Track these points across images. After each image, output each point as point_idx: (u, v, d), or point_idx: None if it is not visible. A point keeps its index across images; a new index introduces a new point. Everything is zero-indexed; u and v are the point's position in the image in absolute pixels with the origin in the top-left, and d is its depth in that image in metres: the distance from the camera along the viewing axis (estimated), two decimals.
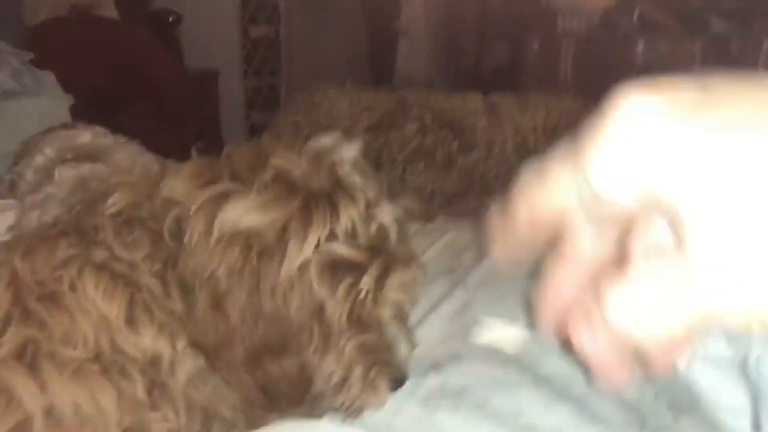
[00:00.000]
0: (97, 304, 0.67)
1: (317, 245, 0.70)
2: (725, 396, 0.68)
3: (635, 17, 3.08)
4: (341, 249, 0.71)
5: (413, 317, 0.97)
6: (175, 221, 0.72)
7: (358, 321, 0.74)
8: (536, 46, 3.49)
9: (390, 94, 1.57)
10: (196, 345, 0.73)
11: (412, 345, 0.81)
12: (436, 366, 0.84)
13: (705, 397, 0.69)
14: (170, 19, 3.17)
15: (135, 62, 2.59)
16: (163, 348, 0.71)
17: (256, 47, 3.68)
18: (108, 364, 0.68)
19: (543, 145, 1.48)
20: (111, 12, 2.70)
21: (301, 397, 0.76)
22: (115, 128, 1.23)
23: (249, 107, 3.72)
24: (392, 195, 1.40)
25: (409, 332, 0.81)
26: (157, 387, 0.71)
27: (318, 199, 0.71)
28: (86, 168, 0.99)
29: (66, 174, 1.00)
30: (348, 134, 0.78)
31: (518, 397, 0.76)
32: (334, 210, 0.71)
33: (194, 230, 0.69)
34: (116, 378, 0.68)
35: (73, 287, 0.67)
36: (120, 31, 2.65)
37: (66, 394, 0.63)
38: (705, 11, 2.91)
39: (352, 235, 0.72)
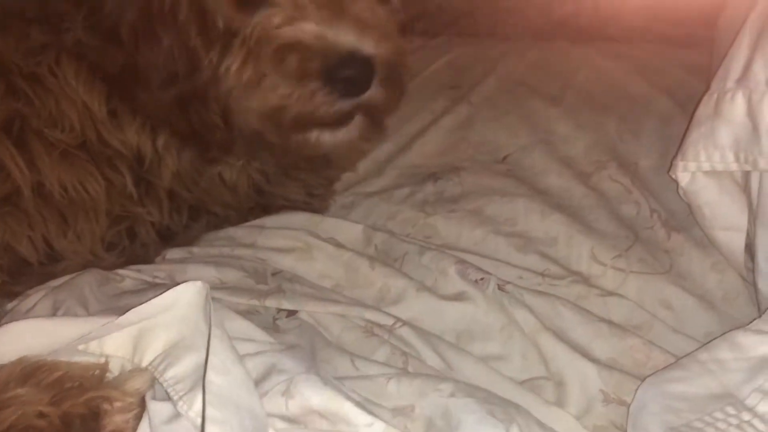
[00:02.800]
0: (79, 93, 0.66)
1: None
2: (723, 211, 0.67)
3: None
4: None
5: (412, 129, 0.95)
6: None
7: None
8: None
9: None
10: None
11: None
12: (433, 176, 0.83)
13: (703, 211, 0.68)
14: None
15: None
16: (146, 145, 0.70)
17: None
18: (95, 154, 0.68)
19: None
20: None
21: (228, 140, 0.69)
22: None
23: None
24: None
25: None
26: (143, 183, 0.71)
27: None
28: None
29: None
30: None
31: (514, 206, 0.75)
32: None
33: None
34: (105, 168, 0.69)
35: (53, 73, 0.66)
36: None
37: (54, 175, 0.64)
38: None
39: None
